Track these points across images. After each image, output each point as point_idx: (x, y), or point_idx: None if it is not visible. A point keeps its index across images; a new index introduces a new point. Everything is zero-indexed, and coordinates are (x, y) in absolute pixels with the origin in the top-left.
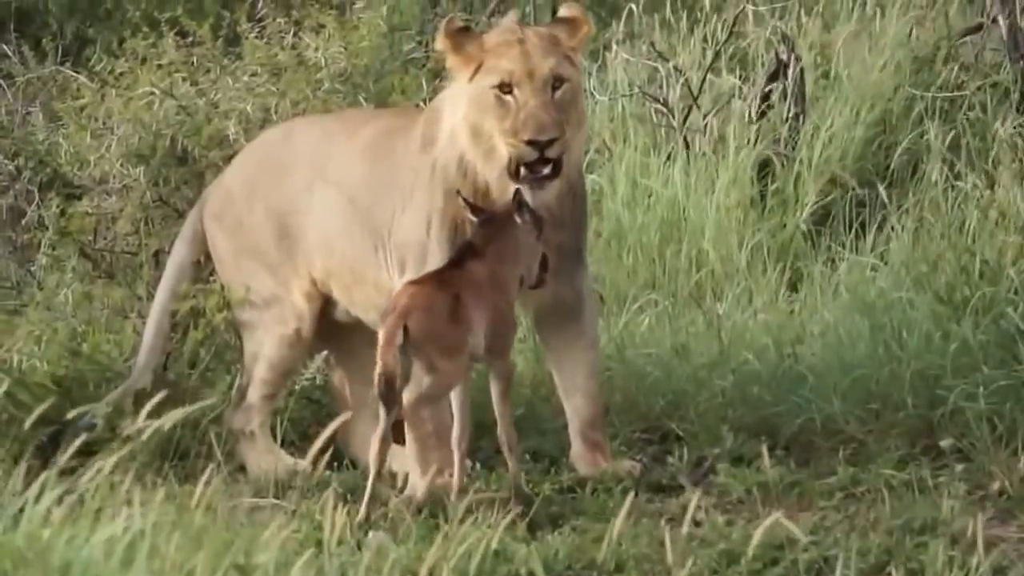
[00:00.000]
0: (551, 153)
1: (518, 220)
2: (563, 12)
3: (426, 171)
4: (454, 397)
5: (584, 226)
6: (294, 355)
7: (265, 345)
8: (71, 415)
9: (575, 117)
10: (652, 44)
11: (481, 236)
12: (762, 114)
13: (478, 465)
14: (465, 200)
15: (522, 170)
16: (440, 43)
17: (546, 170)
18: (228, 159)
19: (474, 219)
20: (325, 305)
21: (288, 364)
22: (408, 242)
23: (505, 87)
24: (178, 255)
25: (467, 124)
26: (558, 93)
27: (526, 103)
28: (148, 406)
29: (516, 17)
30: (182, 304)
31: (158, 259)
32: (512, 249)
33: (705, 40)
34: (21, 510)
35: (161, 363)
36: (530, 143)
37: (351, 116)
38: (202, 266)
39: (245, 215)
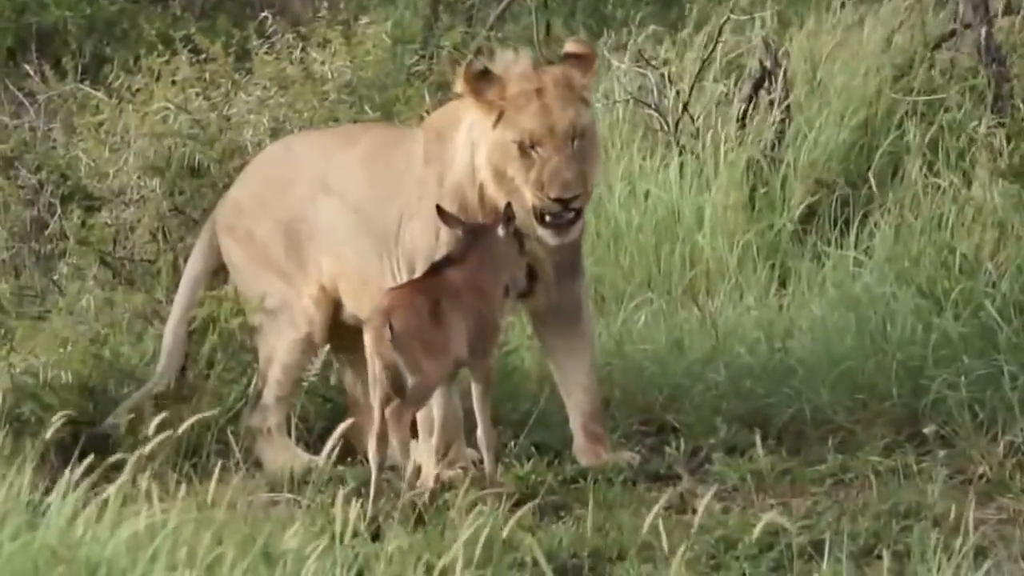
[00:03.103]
0: (575, 205)
1: (500, 232)
2: (572, 48)
3: (432, 183)
4: (436, 402)
5: (582, 236)
6: (306, 358)
7: (278, 349)
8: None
9: (594, 160)
10: (641, 53)
11: (461, 246)
12: (752, 119)
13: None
14: (443, 213)
15: (547, 217)
16: (460, 87)
17: (570, 216)
18: (240, 169)
19: (452, 230)
20: (335, 309)
21: (300, 366)
22: (417, 248)
23: (527, 144)
24: (193, 267)
25: (490, 167)
26: (578, 143)
27: (549, 159)
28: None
29: (531, 59)
30: (199, 312)
31: (175, 266)
32: (491, 258)
33: (695, 50)
34: (50, 508)
35: (180, 366)
36: (556, 200)
37: (346, 130)
38: (218, 276)
39: (255, 227)
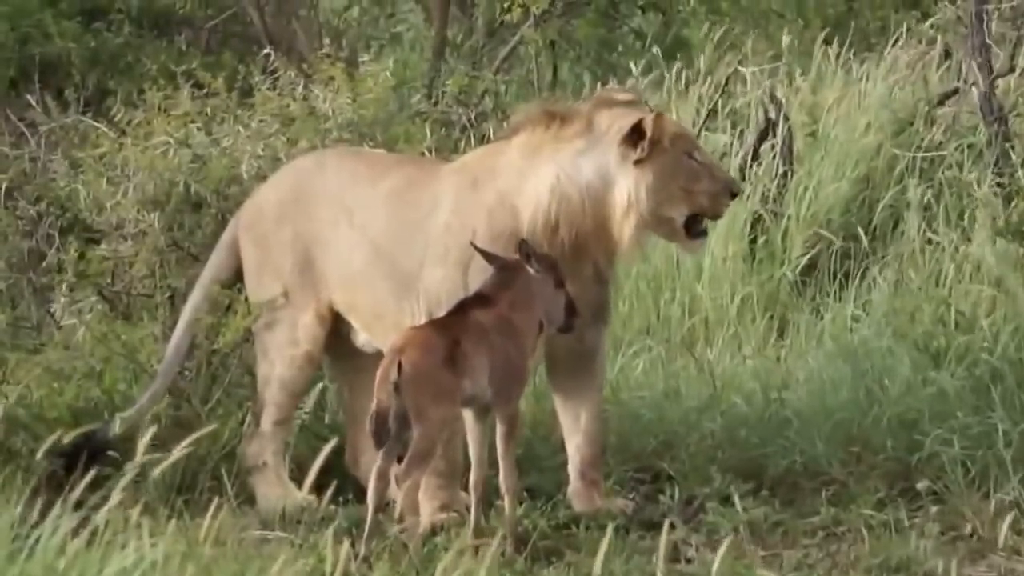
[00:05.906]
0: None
1: (530, 270)
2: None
3: (463, 233)
4: (471, 442)
5: (614, 281)
6: (304, 376)
7: (276, 366)
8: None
9: None
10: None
11: (494, 284)
12: (754, 171)
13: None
14: (479, 249)
15: (703, 226)
16: (654, 131)
17: (703, 226)
18: (238, 197)
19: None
20: (345, 330)
21: (298, 385)
22: (440, 295)
23: (693, 153)
24: (214, 261)
25: (652, 194)
26: None
27: (711, 163)
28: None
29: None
30: (207, 318)
31: (173, 301)
32: (525, 297)
33: (699, 100)
34: (38, 541)
35: (182, 364)
36: (736, 195)
37: (377, 160)
38: (238, 278)
39: (272, 234)
